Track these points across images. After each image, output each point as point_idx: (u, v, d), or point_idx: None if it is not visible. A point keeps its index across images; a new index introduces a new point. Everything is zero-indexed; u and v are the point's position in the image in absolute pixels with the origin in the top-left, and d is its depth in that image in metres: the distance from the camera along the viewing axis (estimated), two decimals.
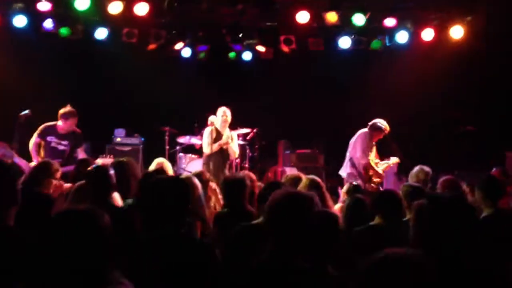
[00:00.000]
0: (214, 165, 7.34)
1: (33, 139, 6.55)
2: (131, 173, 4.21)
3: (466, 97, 8.65)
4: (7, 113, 7.26)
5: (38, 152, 6.50)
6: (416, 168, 5.56)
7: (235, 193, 3.93)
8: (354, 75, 9.51)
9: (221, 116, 7.46)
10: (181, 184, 2.81)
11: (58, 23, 8.62)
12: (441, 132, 8.63)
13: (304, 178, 4.74)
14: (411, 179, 5.48)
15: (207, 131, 7.49)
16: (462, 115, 8.61)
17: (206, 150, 7.41)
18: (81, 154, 6.66)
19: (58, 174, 4.56)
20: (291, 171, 9.23)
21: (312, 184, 4.53)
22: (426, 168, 5.52)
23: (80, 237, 1.91)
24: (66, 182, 4.69)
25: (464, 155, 8.09)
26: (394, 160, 7.18)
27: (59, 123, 6.61)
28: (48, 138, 6.54)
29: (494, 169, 5.89)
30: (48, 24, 8.52)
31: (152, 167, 5.34)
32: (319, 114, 9.77)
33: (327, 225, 2.35)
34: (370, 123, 7.11)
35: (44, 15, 8.44)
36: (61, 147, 6.59)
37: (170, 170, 5.36)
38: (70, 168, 5.69)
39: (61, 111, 6.61)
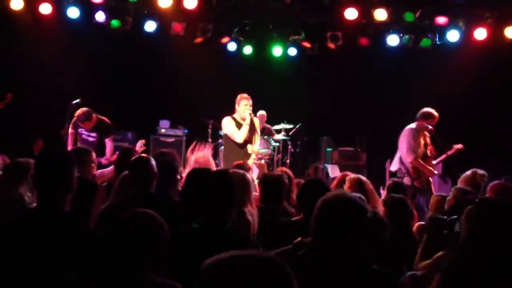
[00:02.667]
0: (238, 158, 6.39)
1: (69, 130, 6.75)
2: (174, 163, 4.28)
3: None
4: (59, 103, 7.51)
5: (73, 142, 6.71)
6: (470, 171, 5.25)
7: (272, 191, 3.93)
8: (401, 73, 9.34)
9: (243, 104, 6.73)
10: (228, 178, 2.84)
11: (109, 15, 8.83)
12: (491, 134, 8.37)
13: (351, 176, 4.66)
14: (463, 183, 5.13)
15: (227, 120, 6.83)
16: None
17: (239, 138, 6.62)
18: (108, 144, 6.80)
19: (95, 159, 4.72)
20: (332, 169, 9.18)
21: (358, 184, 4.46)
22: (481, 171, 5.13)
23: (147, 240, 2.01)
24: None
25: None
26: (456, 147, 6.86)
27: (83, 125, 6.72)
28: (79, 130, 6.74)
29: None
30: (100, 16, 8.73)
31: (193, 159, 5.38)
32: (363, 111, 9.65)
33: (375, 232, 2.31)
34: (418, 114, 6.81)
35: (96, 7, 8.67)
36: (91, 139, 6.75)
37: (213, 163, 5.40)
38: (100, 159, 5.94)
39: (78, 114, 6.67)
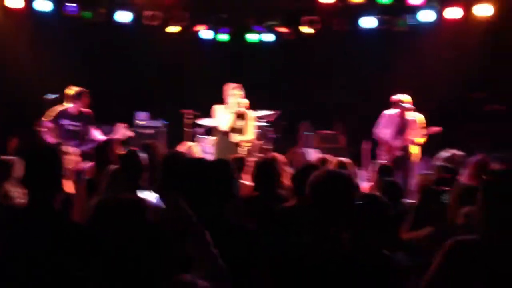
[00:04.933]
0: (226, 148, 6.64)
1: (45, 124, 6.59)
2: (159, 155, 4.25)
3: (493, 76, 8.49)
4: (30, 97, 7.35)
5: (54, 135, 6.59)
6: (448, 152, 5.38)
7: (267, 176, 3.93)
8: (379, 55, 9.38)
9: (233, 93, 6.76)
10: (224, 167, 2.82)
11: (81, 7, 8.65)
12: (467, 112, 8.51)
13: (333, 159, 4.74)
14: (440, 161, 5.31)
15: (216, 108, 6.82)
16: (489, 94, 8.47)
17: (223, 125, 6.67)
18: (97, 134, 6.74)
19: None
20: (312, 153, 9.22)
21: (341, 166, 4.53)
22: (459, 152, 5.30)
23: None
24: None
25: (491, 135, 7.97)
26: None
27: (70, 105, 6.65)
28: (61, 122, 6.61)
29: None
30: (72, 7, 8.55)
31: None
32: (341, 95, 9.69)
33: (372, 205, 2.32)
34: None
35: None
36: (76, 129, 6.66)
37: (199, 153, 5.38)
38: (86, 147, 6.00)
39: (70, 92, 6.63)
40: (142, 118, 9.35)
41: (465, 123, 8.11)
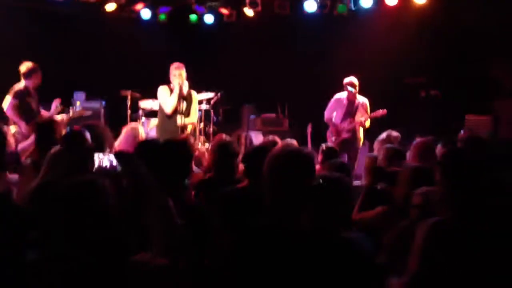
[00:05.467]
0: (169, 131, 6.48)
1: (9, 102, 6.32)
2: (105, 135, 4.10)
3: (429, 62, 8.78)
4: None
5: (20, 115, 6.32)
6: (385, 133, 5.57)
7: (225, 158, 3.87)
8: (319, 39, 9.47)
9: (172, 74, 6.58)
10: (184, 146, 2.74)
11: None
12: (405, 98, 8.76)
13: (280, 141, 4.75)
14: (380, 144, 5.44)
15: (161, 89, 6.67)
16: (426, 80, 8.75)
17: (167, 107, 6.51)
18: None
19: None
20: (256, 135, 9.24)
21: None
22: (395, 133, 5.56)
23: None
24: None
25: (427, 120, 8.26)
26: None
27: (27, 82, 6.45)
28: (28, 100, 6.36)
29: (461, 132, 6.07)
30: None
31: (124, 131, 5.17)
32: (283, 78, 9.72)
33: (335, 188, 2.30)
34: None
35: None
36: (36, 107, 6.48)
37: (143, 134, 5.22)
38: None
39: (26, 68, 6.38)
40: (79, 99, 8.97)
41: (403, 108, 8.34)
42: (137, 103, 8.98)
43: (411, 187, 3.01)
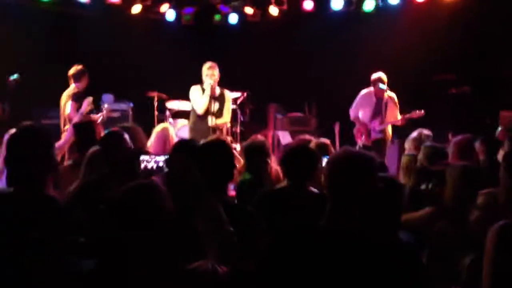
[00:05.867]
0: (201, 131, 6.44)
1: (70, 105, 6.54)
2: (140, 136, 4.10)
3: (459, 58, 8.62)
4: None
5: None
6: (416, 132, 5.42)
7: (258, 159, 3.83)
8: (346, 37, 9.36)
9: (204, 74, 6.60)
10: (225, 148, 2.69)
11: None
12: (434, 95, 8.60)
13: (313, 141, 4.69)
14: (411, 143, 5.31)
15: (193, 89, 6.70)
16: (457, 76, 8.58)
17: (199, 108, 6.51)
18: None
19: None
20: (283, 135, 9.17)
21: (321, 147, 4.46)
22: (426, 131, 5.39)
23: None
24: None
25: (458, 117, 8.09)
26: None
27: (77, 84, 6.73)
28: (84, 103, 6.53)
29: (499, 129, 5.94)
30: None
31: (155, 132, 5.16)
32: (310, 77, 9.64)
33: (392, 190, 2.22)
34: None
35: None
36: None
37: (174, 135, 5.21)
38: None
39: (75, 71, 6.76)
40: (107, 101, 9.00)
41: (432, 105, 8.18)
42: (163, 104, 9.00)
43: (461, 187, 2.92)
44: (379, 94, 7.15)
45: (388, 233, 2.12)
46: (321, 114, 9.58)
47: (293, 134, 8.88)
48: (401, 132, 7.33)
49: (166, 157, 2.41)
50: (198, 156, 2.64)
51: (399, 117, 7.06)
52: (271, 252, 2.03)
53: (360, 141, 7.20)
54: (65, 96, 6.69)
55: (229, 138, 8.52)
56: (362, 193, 2.02)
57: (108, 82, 9.41)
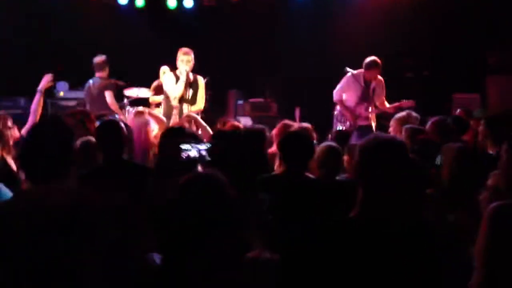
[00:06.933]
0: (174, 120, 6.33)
1: (110, 95, 7.16)
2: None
3: (417, 43, 8.87)
4: None
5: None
6: (404, 112, 5.39)
7: (257, 145, 3.80)
8: (304, 22, 9.41)
9: (179, 59, 6.45)
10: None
11: None
12: (395, 79, 8.81)
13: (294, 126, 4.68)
14: (396, 122, 5.19)
15: (166, 76, 6.55)
16: (414, 61, 8.84)
17: (174, 94, 6.31)
18: None
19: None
20: (245, 121, 9.14)
21: (303, 132, 4.47)
22: (415, 114, 5.38)
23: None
24: None
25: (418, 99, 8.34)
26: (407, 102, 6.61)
27: (99, 73, 7.19)
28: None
29: (458, 110, 6.19)
30: None
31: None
32: (269, 62, 9.64)
33: (417, 171, 2.25)
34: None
35: None
36: None
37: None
38: None
39: (100, 60, 7.20)
40: (62, 89, 8.66)
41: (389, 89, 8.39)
42: (121, 92, 8.74)
43: (458, 167, 3.01)
44: (368, 78, 6.71)
45: (415, 214, 2.17)
46: (281, 99, 9.63)
47: (255, 120, 8.89)
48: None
49: (208, 145, 2.36)
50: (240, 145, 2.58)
51: (387, 104, 6.79)
52: (319, 245, 2.00)
53: (341, 124, 6.82)
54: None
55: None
56: (399, 179, 2.03)
57: (63, 70, 9.07)
